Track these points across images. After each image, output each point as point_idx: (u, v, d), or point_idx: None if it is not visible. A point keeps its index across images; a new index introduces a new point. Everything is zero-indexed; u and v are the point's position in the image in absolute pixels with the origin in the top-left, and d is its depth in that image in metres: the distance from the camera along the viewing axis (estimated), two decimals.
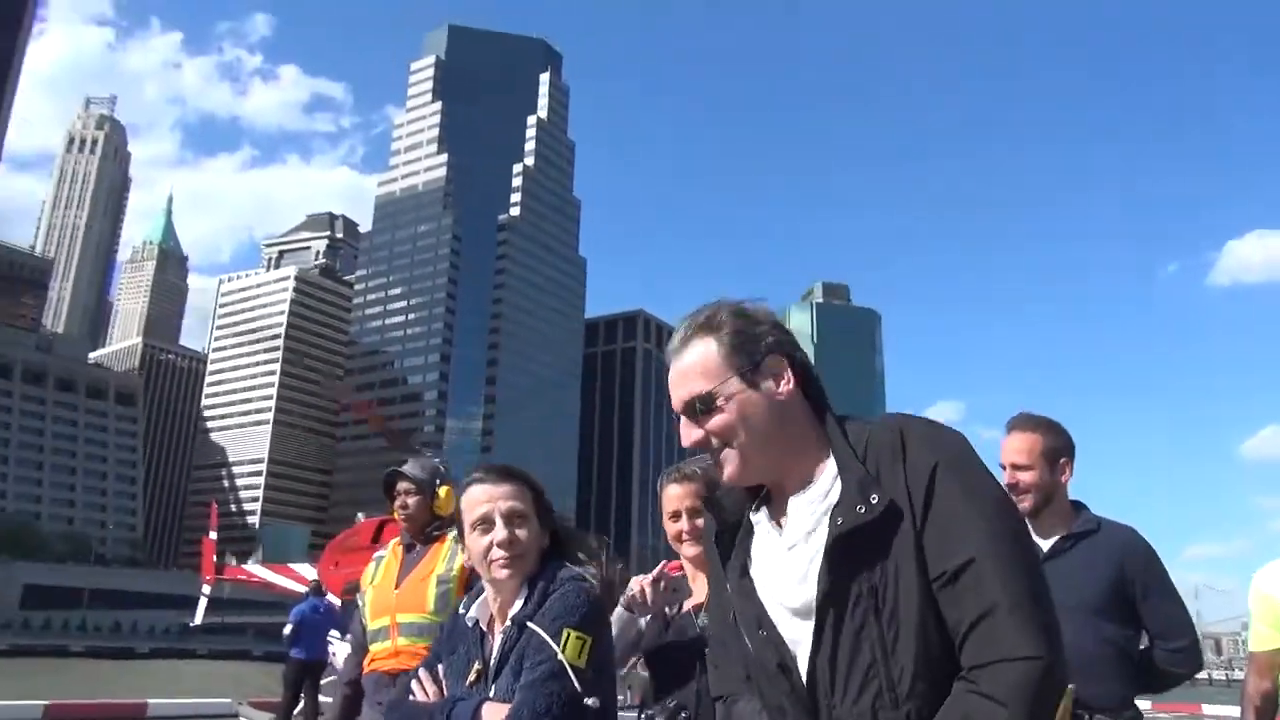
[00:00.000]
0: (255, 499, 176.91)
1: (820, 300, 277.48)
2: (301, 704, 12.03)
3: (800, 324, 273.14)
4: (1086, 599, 2.60)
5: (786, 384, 1.45)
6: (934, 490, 1.32)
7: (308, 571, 16.93)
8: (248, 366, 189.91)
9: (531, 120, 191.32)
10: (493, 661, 1.85)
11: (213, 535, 22.60)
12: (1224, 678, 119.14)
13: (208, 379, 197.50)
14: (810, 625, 1.38)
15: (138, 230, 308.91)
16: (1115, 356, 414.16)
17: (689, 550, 2.58)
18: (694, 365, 1.46)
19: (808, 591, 1.38)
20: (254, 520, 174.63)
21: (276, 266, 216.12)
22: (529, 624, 1.79)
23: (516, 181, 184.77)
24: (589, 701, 1.68)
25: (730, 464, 1.45)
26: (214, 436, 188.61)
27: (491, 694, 1.78)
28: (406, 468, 3.65)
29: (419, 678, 1.88)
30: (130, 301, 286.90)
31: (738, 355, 1.44)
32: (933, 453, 1.35)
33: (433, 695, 1.84)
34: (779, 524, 1.47)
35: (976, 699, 1.23)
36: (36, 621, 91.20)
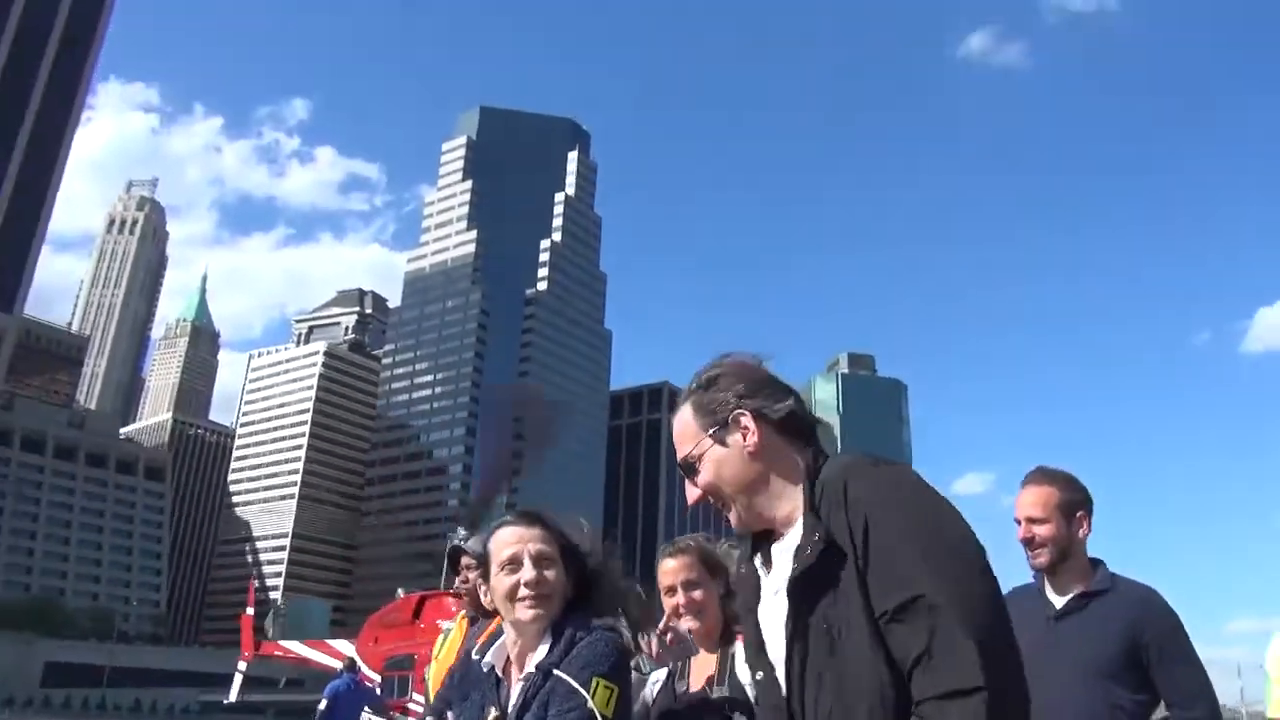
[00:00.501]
0: (279, 574, 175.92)
1: (845, 370, 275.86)
2: None
3: (825, 394, 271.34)
4: (1098, 661, 2.54)
5: (753, 435, 1.57)
6: (870, 530, 1.39)
7: (345, 648, 16.52)
8: (275, 441, 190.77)
9: (560, 197, 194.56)
10: (511, 708, 1.82)
11: (249, 611, 22.29)
12: None
13: (235, 454, 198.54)
14: (784, 668, 1.50)
15: (172, 307, 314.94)
16: (1148, 427, 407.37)
17: (685, 625, 2.57)
18: (678, 433, 1.65)
19: (783, 635, 1.50)
20: (276, 595, 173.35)
21: (307, 342, 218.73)
22: (556, 671, 1.77)
23: (544, 256, 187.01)
24: None
25: (731, 514, 1.62)
26: (239, 511, 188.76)
27: None
28: (470, 543, 3.61)
29: None
30: (162, 377, 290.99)
31: (706, 416, 1.60)
32: (870, 492, 1.44)
33: None
34: (769, 569, 1.62)
35: None
36: (57, 699, 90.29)
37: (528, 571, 1.83)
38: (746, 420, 1.58)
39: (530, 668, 1.83)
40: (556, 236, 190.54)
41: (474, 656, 1.96)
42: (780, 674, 1.51)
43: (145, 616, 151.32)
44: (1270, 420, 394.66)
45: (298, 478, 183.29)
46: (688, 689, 2.53)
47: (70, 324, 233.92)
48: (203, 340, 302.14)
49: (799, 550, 1.48)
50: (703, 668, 2.55)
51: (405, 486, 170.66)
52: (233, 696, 23.36)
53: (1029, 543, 2.65)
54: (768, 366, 1.65)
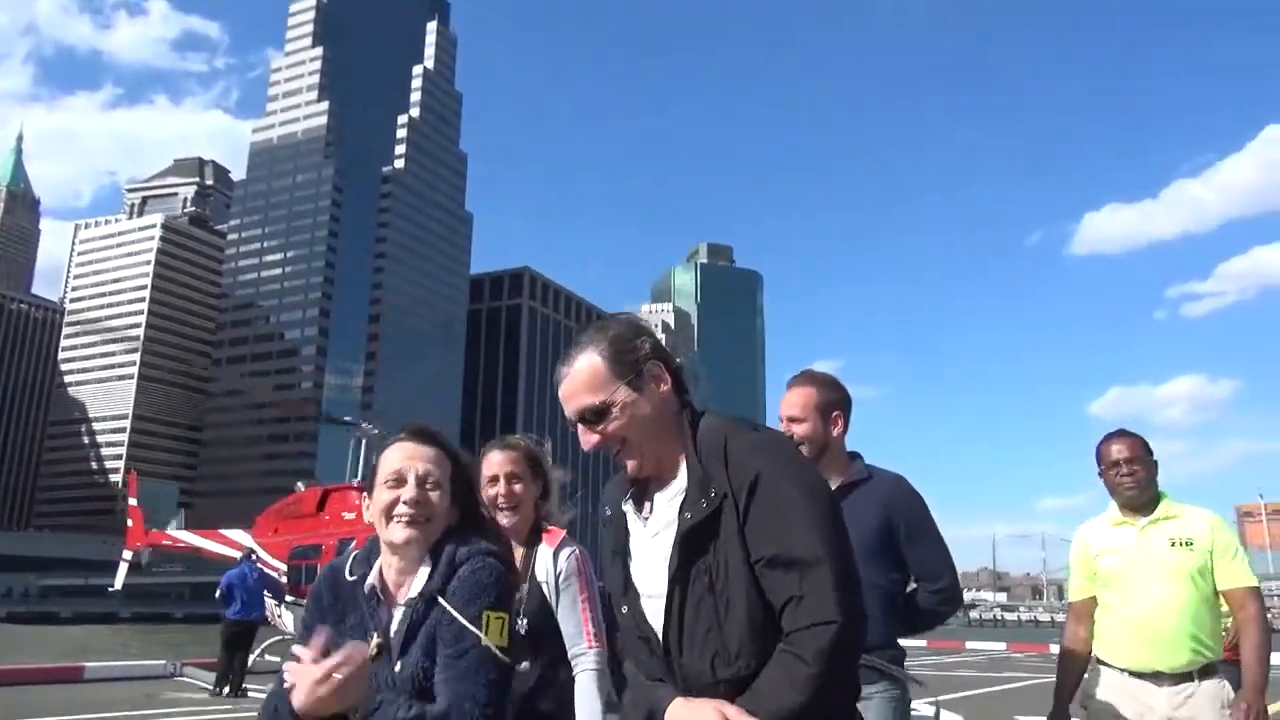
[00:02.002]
0: (118, 456, 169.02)
1: (705, 261, 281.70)
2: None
3: (684, 284, 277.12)
4: (859, 544, 2.94)
5: (665, 385, 1.73)
6: (758, 486, 1.60)
7: (240, 537, 17.15)
8: (110, 319, 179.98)
9: (417, 70, 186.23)
10: (394, 635, 1.74)
11: (133, 502, 22.33)
12: (1065, 620, 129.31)
13: (65, 331, 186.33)
14: (662, 602, 1.68)
15: None
16: (980, 319, 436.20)
17: (504, 519, 2.66)
18: (583, 380, 1.71)
19: (663, 574, 1.67)
20: (116, 479, 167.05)
21: (140, 213, 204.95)
22: (441, 601, 1.71)
23: (401, 133, 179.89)
24: (520, 667, 1.72)
25: (631, 461, 1.72)
26: (72, 391, 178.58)
27: (398, 669, 1.70)
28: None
29: (294, 654, 1.64)
30: None
31: (621, 366, 1.70)
32: (755, 452, 1.64)
33: (311, 659, 1.60)
34: (644, 516, 1.77)
35: (789, 657, 1.52)
36: None
37: (409, 489, 1.77)
38: (660, 370, 1.73)
39: (412, 592, 1.75)
40: (414, 112, 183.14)
41: (347, 575, 1.83)
42: (654, 609, 1.70)
43: None
44: (1088, 318, 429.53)
45: (137, 357, 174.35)
46: None
47: None
48: (19, 207, 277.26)
49: (689, 500, 1.65)
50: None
51: (255, 368, 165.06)
52: (118, 584, 23.73)
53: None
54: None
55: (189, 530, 20.78)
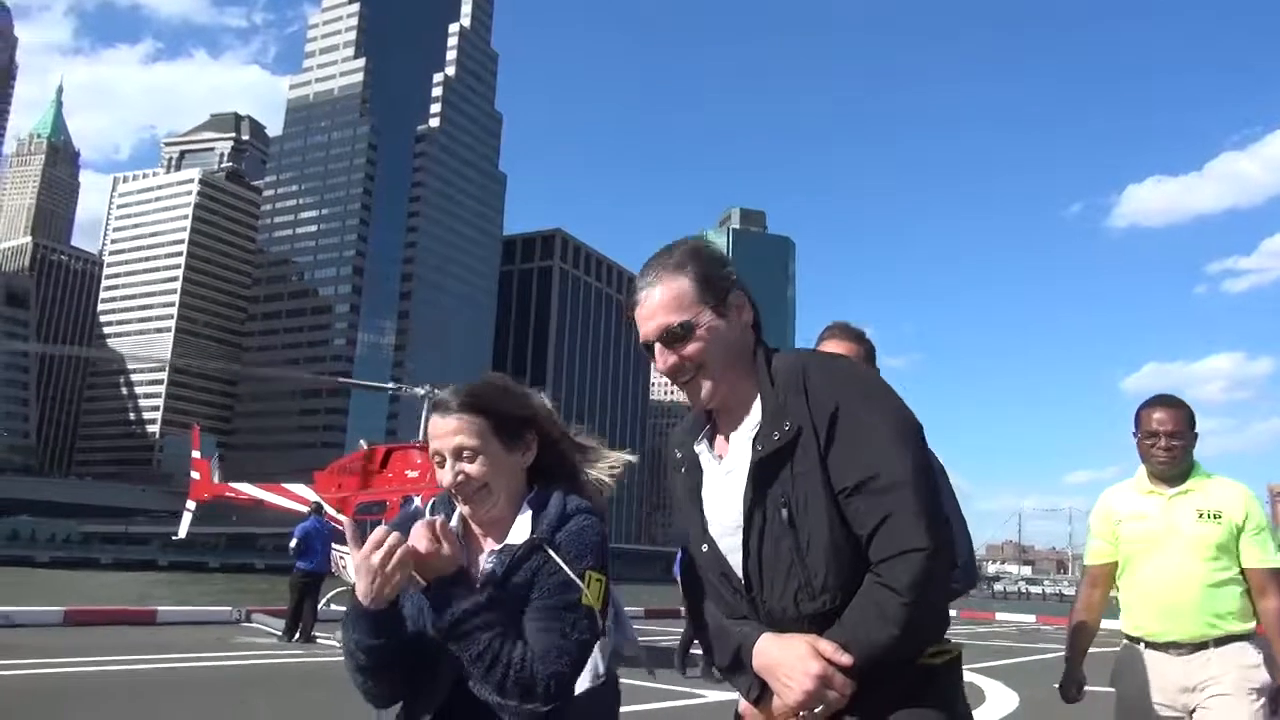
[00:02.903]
0: (155, 407, 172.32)
1: (737, 226, 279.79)
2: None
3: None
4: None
5: (748, 315, 1.71)
6: (836, 420, 1.57)
7: (302, 491, 17.76)
8: (147, 271, 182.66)
9: (454, 28, 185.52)
10: (485, 568, 1.75)
11: (196, 454, 23.10)
12: None
13: (104, 282, 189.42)
14: (739, 539, 1.66)
15: (24, 122, 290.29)
16: (1016, 292, 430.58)
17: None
18: (668, 298, 1.66)
19: (738, 509, 1.65)
20: (154, 429, 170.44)
21: (178, 168, 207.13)
22: (549, 550, 1.70)
23: (437, 91, 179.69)
24: (598, 642, 1.71)
25: (705, 388, 1.68)
26: (111, 342, 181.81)
27: (483, 599, 1.67)
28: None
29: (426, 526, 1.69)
30: (16, 198, 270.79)
31: (709, 290, 1.67)
32: (835, 381, 1.62)
33: (439, 547, 1.67)
34: (717, 455, 1.74)
35: (880, 588, 1.50)
36: None
37: (447, 473, 1.75)
38: (743, 300, 1.70)
39: (512, 539, 1.75)
40: (450, 70, 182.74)
41: (430, 514, 1.81)
42: (731, 546, 1.67)
43: (14, 447, 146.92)
44: (1126, 292, 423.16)
45: (174, 310, 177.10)
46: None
47: None
48: (60, 159, 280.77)
49: (762, 432, 1.63)
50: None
51: (289, 324, 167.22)
52: (182, 533, 24.70)
53: None
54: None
55: (251, 483, 21.44)
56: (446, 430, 1.77)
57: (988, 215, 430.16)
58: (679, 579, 2.23)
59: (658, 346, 1.67)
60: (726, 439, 1.73)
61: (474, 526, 1.81)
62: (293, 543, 13.24)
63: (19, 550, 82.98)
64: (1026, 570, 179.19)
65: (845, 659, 1.50)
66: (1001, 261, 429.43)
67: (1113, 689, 3.11)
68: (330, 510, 13.89)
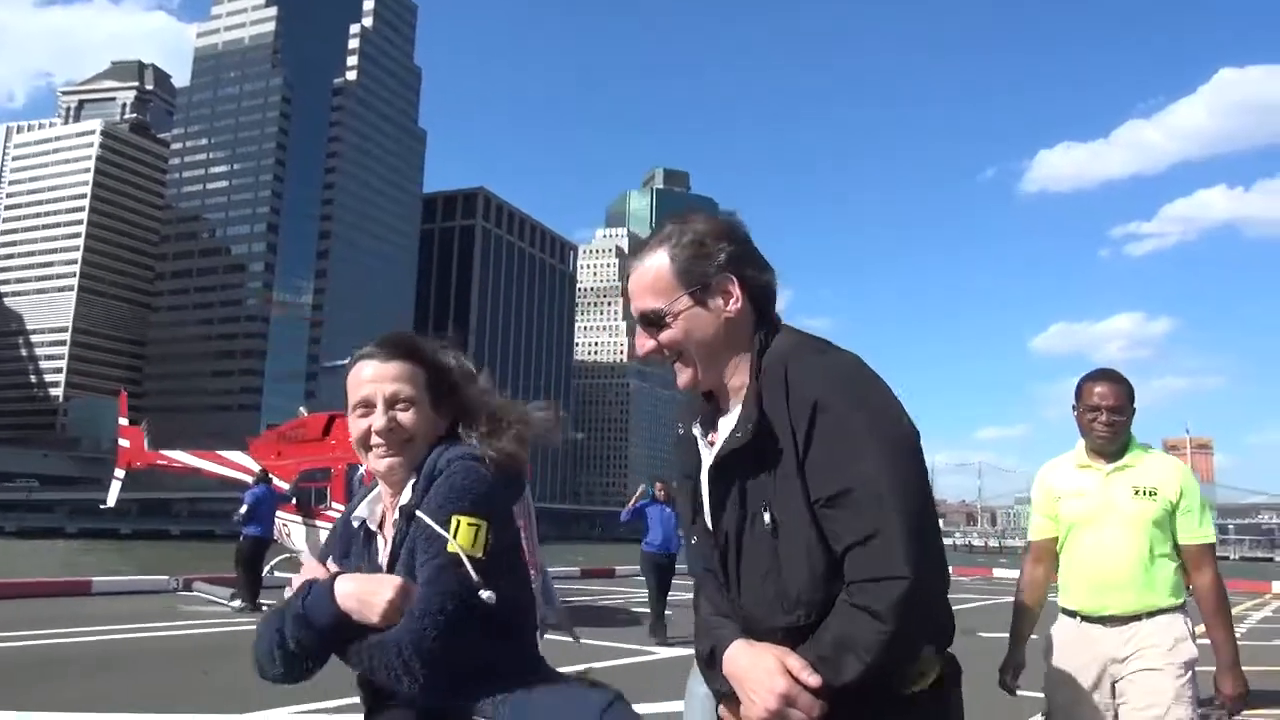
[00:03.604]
0: (59, 370, 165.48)
1: (660, 186, 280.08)
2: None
3: (639, 208, 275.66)
4: None
5: (735, 302, 1.54)
6: (816, 418, 1.42)
7: (238, 458, 17.47)
8: (47, 228, 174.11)
9: None
10: (383, 560, 1.65)
11: (124, 421, 22.43)
12: (997, 544, 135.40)
13: (0, 239, 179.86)
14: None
15: None
16: (931, 256, 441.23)
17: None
18: (648, 279, 1.56)
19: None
20: (57, 393, 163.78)
21: (77, 118, 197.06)
22: (417, 513, 1.60)
23: (353, 43, 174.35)
24: (484, 595, 1.52)
25: (682, 375, 1.58)
26: (9, 302, 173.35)
27: None
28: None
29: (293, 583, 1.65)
30: None
31: (688, 274, 1.54)
32: (815, 379, 1.45)
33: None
34: (709, 440, 1.62)
35: (854, 610, 1.37)
36: None
37: (378, 417, 1.65)
38: (732, 286, 1.55)
39: (395, 514, 1.66)
40: (367, 22, 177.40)
41: (351, 516, 1.76)
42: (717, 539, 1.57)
43: None
44: (1035, 255, 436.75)
45: (76, 268, 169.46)
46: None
47: None
48: None
49: (732, 430, 1.51)
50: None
51: (201, 283, 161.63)
52: (111, 501, 23.93)
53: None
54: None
55: (187, 450, 20.99)
56: (384, 375, 1.67)
57: (905, 180, 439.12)
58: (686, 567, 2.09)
59: (637, 328, 1.60)
60: (716, 425, 1.63)
61: (387, 506, 1.72)
62: (242, 509, 13.15)
63: None
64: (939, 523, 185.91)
65: (813, 680, 1.40)
66: (917, 226, 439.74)
67: (1045, 660, 3.10)
68: (273, 479, 13.79)
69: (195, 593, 14.80)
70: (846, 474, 1.39)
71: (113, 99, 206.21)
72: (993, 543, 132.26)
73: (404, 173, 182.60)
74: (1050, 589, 3.17)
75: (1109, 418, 2.98)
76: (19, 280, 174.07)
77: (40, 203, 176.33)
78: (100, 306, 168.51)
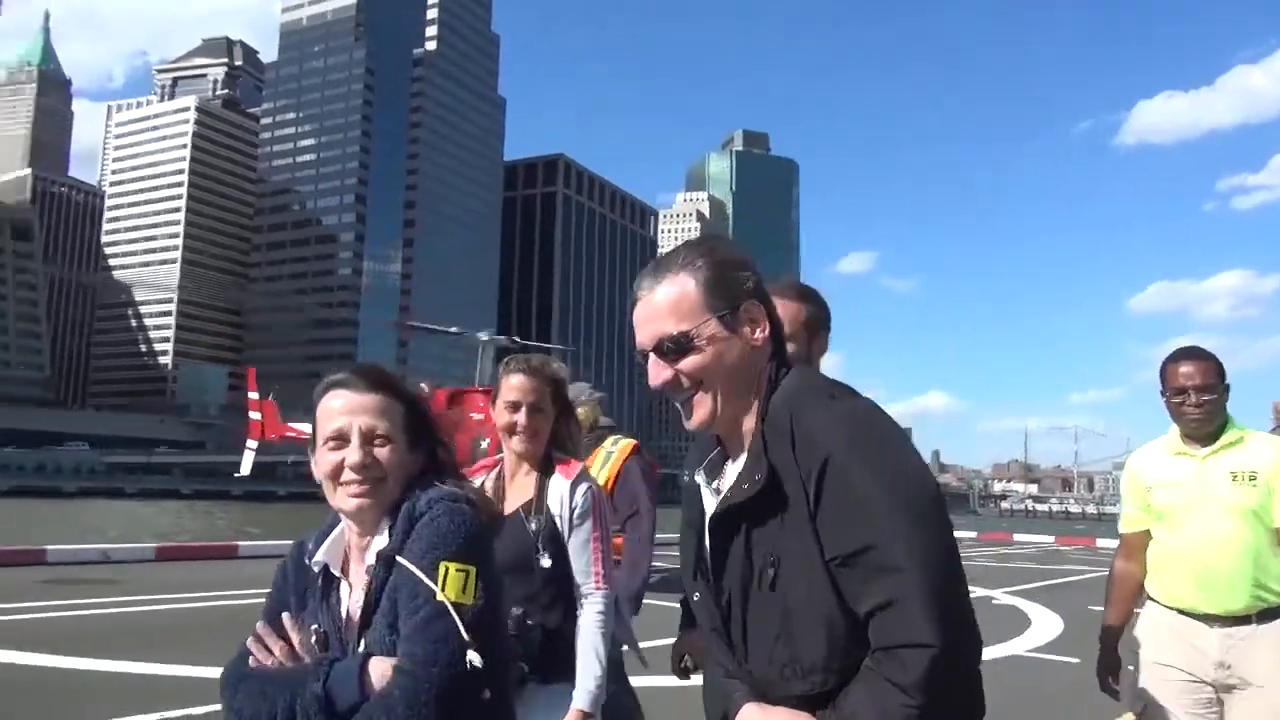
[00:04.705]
0: (165, 339, 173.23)
1: (740, 148, 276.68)
2: None
3: (719, 172, 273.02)
4: None
5: (762, 332, 1.43)
6: (825, 477, 1.29)
7: None
8: (150, 203, 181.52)
9: None
10: (356, 610, 1.52)
11: (254, 395, 23.88)
12: (1095, 512, 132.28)
13: (107, 214, 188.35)
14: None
15: (10, 50, 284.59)
16: (1023, 211, 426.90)
17: (519, 445, 2.55)
18: (668, 303, 1.40)
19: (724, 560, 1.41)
20: (165, 360, 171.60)
21: (171, 95, 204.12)
22: (399, 559, 1.46)
23: (432, 13, 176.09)
24: (470, 656, 1.39)
25: (701, 409, 1.41)
26: (117, 274, 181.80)
27: (362, 647, 1.48)
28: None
29: (258, 636, 1.51)
30: (9, 128, 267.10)
31: (717, 297, 1.40)
32: (825, 438, 1.31)
33: (279, 653, 1.49)
34: (714, 488, 1.48)
35: (880, 681, 1.24)
36: None
37: (353, 452, 1.52)
38: (759, 313, 1.43)
39: (370, 559, 1.52)
40: None
41: (307, 558, 1.61)
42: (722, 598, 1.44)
43: (30, 380, 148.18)
44: (1133, 211, 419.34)
45: (179, 241, 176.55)
46: (503, 513, 2.53)
47: None
48: (51, 88, 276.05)
49: (737, 480, 1.39)
50: (521, 492, 2.55)
51: (294, 254, 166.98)
52: (245, 470, 25.55)
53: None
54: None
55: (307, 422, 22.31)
56: (362, 407, 1.55)
57: (995, 134, 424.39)
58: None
59: (651, 357, 1.42)
60: (722, 473, 1.49)
61: (353, 547, 1.59)
62: None
63: (47, 481, 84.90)
64: (1033, 488, 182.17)
65: None
66: (1008, 180, 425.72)
67: (1131, 653, 2.96)
68: None
69: None
70: (863, 531, 1.27)
71: (204, 75, 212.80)
72: (1091, 509, 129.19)
73: (485, 141, 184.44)
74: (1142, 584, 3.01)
75: (1198, 398, 2.77)
76: (126, 254, 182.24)
77: (142, 179, 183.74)
78: (202, 278, 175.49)
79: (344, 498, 1.53)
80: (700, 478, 1.50)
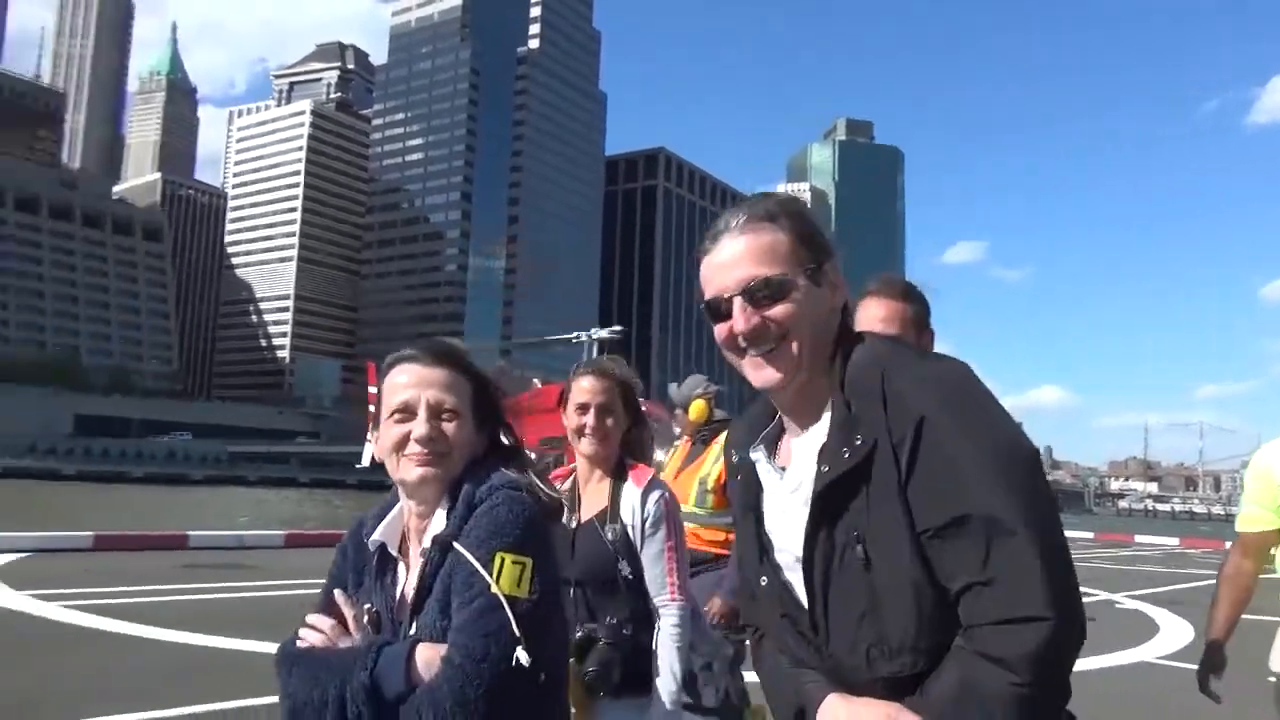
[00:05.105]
0: (284, 334, 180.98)
1: (843, 138, 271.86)
2: None
3: (821, 162, 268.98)
4: None
5: (841, 295, 1.37)
6: (921, 440, 1.21)
7: None
8: (269, 203, 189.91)
9: None
10: (410, 592, 1.48)
11: (373, 389, 24.94)
12: (1222, 513, 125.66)
13: (230, 215, 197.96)
14: (803, 575, 1.33)
15: (143, 61, 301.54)
16: (1145, 194, 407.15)
17: (588, 448, 2.52)
18: (760, 248, 1.32)
19: (802, 539, 1.32)
20: (284, 355, 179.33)
21: (288, 99, 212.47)
22: (455, 545, 1.43)
23: (535, 11, 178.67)
24: (519, 654, 1.35)
25: (782, 362, 1.32)
26: (240, 273, 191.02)
27: (413, 631, 1.44)
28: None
29: (310, 622, 1.48)
30: (141, 135, 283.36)
31: (807, 250, 1.34)
32: (919, 399, 1.23)
33: (330, 631, 1.46)
34: (779, 466, 1.41)
35: (977, 659, 1.14)
36: (96, 449, 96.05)
37: (420, 425, 1.49)
38: (838, 277, 1.37)
39: (426, 542, 1.49)
40: None
41: (365, 537, 1.57)
42: (798, 581, 1.34)
43: (160, 374, 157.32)
44: (1264, 193, 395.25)
45: (295, 240, 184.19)
46: (579, 521, 2.50)
47: (38, 76, 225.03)
48: (179, 95, 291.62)
49: (828, 448, 1.29)
50: (595, 500, 2.52)
51: (403, 251, 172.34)
52: (365, 461, 26.54)
53: None
54: None
55: None
56: (430, 381, 1.52)
57: (1113, 115, 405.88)
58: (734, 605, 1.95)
59: (737, 302, 1.32)
60: (789, 448, 1.41)
61: (411, 528, 1.55)
62: None
63: (175, 468, 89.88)
64: (1153, 487, 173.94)
65: None
66: (1127, 163, 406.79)
67: (1274, 676, 2.75)
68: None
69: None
70: (961, 499, 1.17)
71: (319, 79, 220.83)
72: (1217, 509, 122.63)
73: (586, 136, 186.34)
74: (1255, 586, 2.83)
75: None
76: (247, 252, 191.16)
77: (261, 180, 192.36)
78: (317, 275, 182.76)
79: (407, 468, 1.50)
80: (759, 455, 1.43)
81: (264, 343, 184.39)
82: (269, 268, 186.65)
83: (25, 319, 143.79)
